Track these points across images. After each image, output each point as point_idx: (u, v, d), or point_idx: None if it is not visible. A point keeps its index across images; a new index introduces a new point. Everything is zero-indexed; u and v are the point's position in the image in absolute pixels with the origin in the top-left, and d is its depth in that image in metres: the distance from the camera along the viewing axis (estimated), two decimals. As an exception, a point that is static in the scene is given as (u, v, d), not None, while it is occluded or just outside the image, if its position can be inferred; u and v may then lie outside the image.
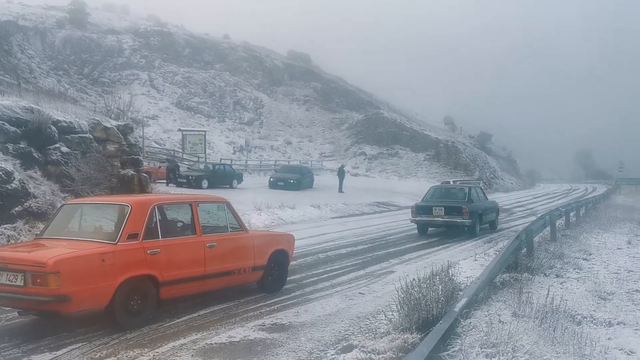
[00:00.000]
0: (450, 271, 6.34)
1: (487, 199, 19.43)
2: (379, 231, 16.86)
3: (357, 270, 10.02)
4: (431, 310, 5.32)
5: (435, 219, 16.08)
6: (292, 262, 10.46)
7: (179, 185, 27.86)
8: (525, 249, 10.28)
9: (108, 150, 18.12)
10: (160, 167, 32.71)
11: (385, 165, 56.28)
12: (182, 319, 6.53)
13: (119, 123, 19.47)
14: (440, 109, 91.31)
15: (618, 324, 6.58)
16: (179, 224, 7.46)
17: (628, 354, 5.53)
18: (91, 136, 17.70)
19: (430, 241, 14.66)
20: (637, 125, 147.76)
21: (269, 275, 8.06)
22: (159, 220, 6.75)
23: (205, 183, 28.09)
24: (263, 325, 6.28)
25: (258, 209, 20.38)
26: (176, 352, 5.34)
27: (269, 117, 64.61)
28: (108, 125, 18.49)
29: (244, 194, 25.76)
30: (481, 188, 21.30)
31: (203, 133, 45.75)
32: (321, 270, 9.92)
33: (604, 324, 6.52)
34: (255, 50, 76.93)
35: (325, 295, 7.99)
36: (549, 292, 6.72)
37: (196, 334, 5.91)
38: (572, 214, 19.50)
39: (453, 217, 15.76)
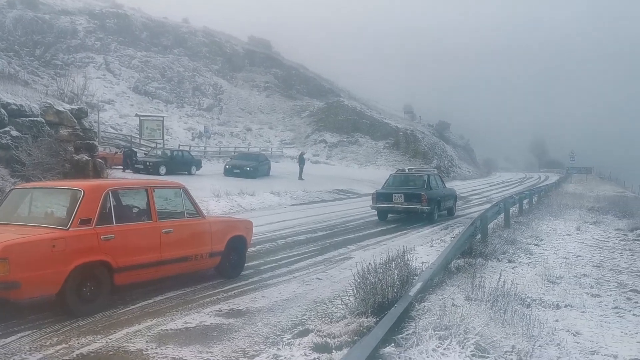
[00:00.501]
0: (406, 257, 6.42)
1: (445, 186, 19.83)
2: (338, 218, 16.96)
3: (315, 256, 10.07)
4: (387, 295, 5.40)
5: (395, 205, 16.30)
6: (251, 249, 10.45)
7: (136, 171, 27.35)
8: (479, 235, 10.52)
9: (61, 135, 17.58)
10: (116, 152, 32.05)
11: (345, 153, 56.55)
12: (137, 306, 6.43)
13: (73, 107, 18.90)
14: (401, 98, 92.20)
15: (566, 306, 6.83)
16: (135, 210, 7.35)
17: (574, 335, 5.75)
18: (43, 120, 17.13)
19: (388, 227, 14.83)
20: (588, 116, 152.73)
21: (227, 261, 8.02)
22: (114, 205, 6.63)
23: (163, 169, 27.65)
24: (220, 311, 6.25)
25: (217, 195, 20.23)
26: (130, 339, 5.26)
27: (228, 103, 63.89)
28: (61, 109, 17.92)
29: (202, 180, 25.50)
30: (439, 176, 21.61)
31: (161, 119, 44.96)
32: (279, 257, 9.92)
33: (552, 306, 6.76)
34: (215, 35, 75.80)
35: (283, 281, 8.00)
36: (500, 276, 6.90)
37: (151, 320, 5.84)
38: (525, 201, 20.07)
39: (412, 203, 16.03)
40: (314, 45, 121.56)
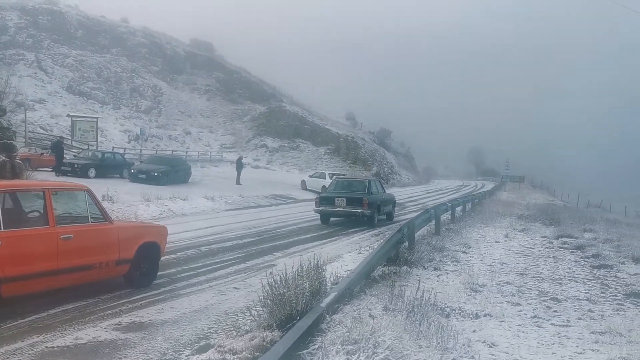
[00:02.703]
0: (320, 265, 6.08)
1: (385, 192, 20.34)
2: (270, 224, 16.56)
3: (237, 264, 9.64)
4: (295, 306, 5.06)
5: (337, 209, 16.75)
6: (171, 256, 9.95)
7: (64, 173, 25.91)
8: (407, 242, 10.37)
9: (-26, 133, 16.41)
10: (42, 153, 30.36)
11: (286, 159, 56.13)
12: (27, 319, 5.83)
13: (-11, 104, 17.66)
14: (343, 105, 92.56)
15: (485, 315, 6.70)
16: (29, 214, 6.72)
17: (490, 346, 5.59)
18: (-46, 117, 15.93)
19: (319, 234, 14.57)
20: (523, 126, 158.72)
21: (137, 270, 7.49)
22: (3, 208, 6.00)
23: (92, 172, 26.33)
24: (119, 325, 5.75)
25: (147, 200, 19.47)
26: (8, 358, 4.70)
27: (168, 105, 62.29)
28: (-25, 105, 16.73)
29: (127, 185, 24.58)
30: (379, 181, 22.28)
31: (95, 120, 43.14)
32: (199, 264, 9.44)
33: (471, 316, 6.61)
34: (156, 36, 73.86)
35: (197, 290, 7.54)
36: (419, 285, 6.70)
37: (38, 336, 5.27)
38: (458, 208, 20.30)
39: (354, 207, 16.51)
40: (258, 49, 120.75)
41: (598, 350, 5.63)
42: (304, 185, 37.58)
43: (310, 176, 39.53)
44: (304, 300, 5.12)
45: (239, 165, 33.88)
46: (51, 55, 57.18)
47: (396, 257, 9.38)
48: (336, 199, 16.81)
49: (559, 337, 6.08)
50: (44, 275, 6.12)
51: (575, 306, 7.53)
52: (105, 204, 17.40)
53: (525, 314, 6.98)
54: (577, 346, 5.78)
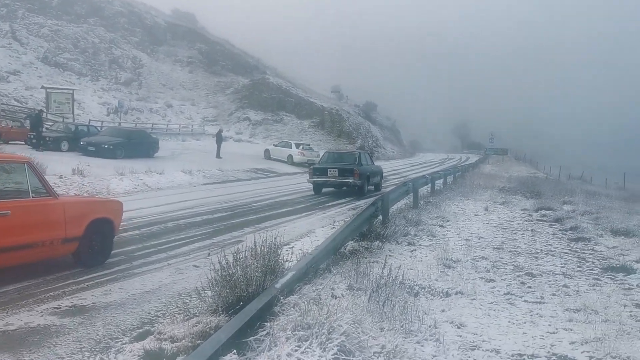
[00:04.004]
0: (279, 241, 5.62)
1: (374, 163, 21.56)
2: (246, 198, 16.11)
3: (203, 240, 9.20)
4: (247, 289, 4.64)
5: (330, 179, 17.88)
6: (134, 232, 9.50)
7: (35, 147, 25.13)
8: (381, 216, 9.99)
9: None
10: (12, 126, 29.45)
11: (269, 132, 55.40)
12: (-42, 303, 5.36)
13: (-51, 73, 16.85)
14: (329, 78, 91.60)
15: (456, 293, 6.35)
16: None
17: (458, 327, 5.23)
18: None
19: (294, 208, 14.15)
20: (507, 99, 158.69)
21: (88, 248, 6.96)
22: None
23: (65, 145, 25.60)
24: (58, 308, 5.29)
25: (120, 174, 18.90)
26: None
27: (148, 77, 60.96)
28: None
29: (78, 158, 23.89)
30: (369, 154, 23.31)
31: (70, 92, 42.02)
32: (163, 241, 8.98)
33: (441, 294, 6.25)
34: (134, 5, 72.00)
35: (154, 269, 7.10)
36: (385, 261, 6.31)
37: (-36, 323, 4.82)
38: (440, 181, 19.98)
39: (345, 177, 17.66)
40: (241, 21, 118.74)
41: (571, 330, 5.30)
42: (267, 155, 37.16)
43: (275, 145, 39.20)
44: (255, 282, 4.68)
45: (219, 138, 33.18)
46: (26, 25, 55.45)
47: (369, 232, 9.00)
48: (329, 170, 17.92)
49: (531, 315, 5.76)
50: None
51: (550, 281, 7.22)
52: (76, 178, 16.92)
53: (498, 290, 6.64)
54: (549, 325, 5.45)
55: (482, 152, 65.31)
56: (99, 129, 31.66)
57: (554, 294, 6.58)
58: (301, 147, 36.66)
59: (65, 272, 6.67)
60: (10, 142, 27.12)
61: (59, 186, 15.07)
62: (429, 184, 17.60)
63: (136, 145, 26.69)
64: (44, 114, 37.64)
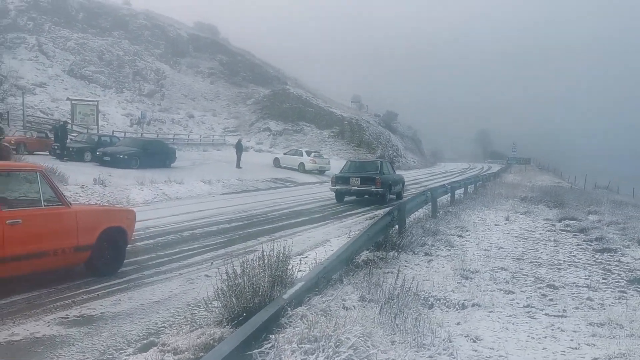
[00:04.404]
0: (286, 251, 5.48)
1: (395, 172, 21.96)
2: (263, 207, 16.04)
3: (217, 250, 9.12)
4: (252, 299, 4.52)
5: (352, 187, 18.14)
6: (149, 241, 9.47)
7: (59, 158, 25.49)
8: (397, 225, 9.80)
9: (-41, 116, 15.96)
10: (36, 137, 29.95)
11: (290, 142, 55.45)
12: (-34, 313, 5.34)
13: (-26, 85, 17.18)
14: (349, 88, 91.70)
15: (472, 305, 6.13)
16: None
17: (473, 341, 5.03)
18: (-63, 99, 15.45)
19: (310, 217, 14.02)
20: (530, 107, 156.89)
21: (100, 257, 6.92)
22: None
23: (88, 156, 25.93)
24: (65, 318, 5.23)
25: (140, 183, 19.02)
26: None
27: (170, 89, 61.71)
28: (-41, 87, 16.25)
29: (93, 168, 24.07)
30: (390, 162, 23.77)
31: (95, 103, 42.67)
32: (176, 250, 8.92)
33: (457, 306, 6.05)
34: (158, 18, 73.14)
35: (165, 278, 7.03)
36: (398, 272, 6.15)
37: (-30, 332, 4.78)
38: (460, 191, 19.69)
39: (367, 186, 17.89)
40: (263, 32, 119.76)
41: (595, 345, 5.06)
42: (277, 163, 37.19)
43: (285, 153, 39.25)
44: (261, 292, 4.56)
45: (239, 148, 33.29)
46: (52, 39, 56.66)
47: (384, 242, 8.82)
48: (351, 178, 18.18)
49: (552, 329, 5.52)
50: None
51: (573, 294, 6.96)
52: (97, 188, 17.05)
53: (517, 303, 6.41)
54: (571, 340, 5.22)
55: (505, 161, 64.47)
56: (120, 139, 31.99)
57: (576, 307, 6.33)
58: (312, 154, 36.89)
59: (77, 281, 6.63)
60: (34, 152, 27.59)
61: (80, 196, 15.21)
62: (449, 194, 17.34)
63: (152, 155, 26.63)
64: (69, 125, 38.29)
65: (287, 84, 69.14)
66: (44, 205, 6.29)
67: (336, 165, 38.24)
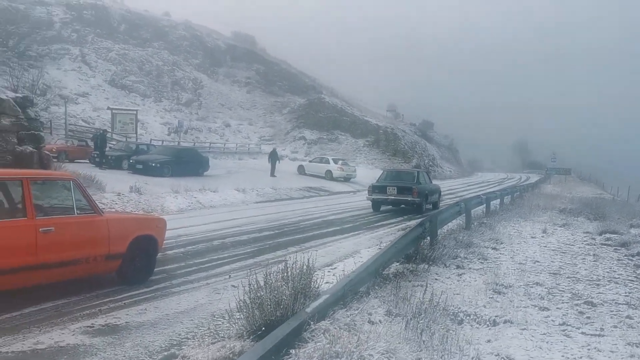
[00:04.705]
0: (310, 263, 5.38)
1: (432, 182, 21.88)
2: (295, 216, 16.00)
3: (245, 259, 9.10)
4: (274, 312, 4.44)
5: (389, 197, 18.28)
6: (178, 250, 9.52)
7: (98, 165, 26.08)
8: (429, 237, 9.60)
9: (2, 125, 16.41)
10: (77, 145, 30.74)
11: (324, 150, 55.39)
12: (-4, 319, 5.41)
13: (17, 95, 17.71)
14: (385, 97, 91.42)
15: (505, 322, 5.92)
16: (5, 205, 6.26)
17: (504, 360, 4.84)
18: (-18, 108, 15.95)
19: (342, 227, 13.88)
20: (571, 116, 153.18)
21: (130, 265, 6.98)
22: None
23: (125, 164, 26.41)
24: (90, 327, 5.26)
25: (175, 191, 19.25)
26: (-48, 364, 4.27)
27: (208, 98, 62.60)
28: (3, 97, 16.71)
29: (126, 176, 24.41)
30: (427, 172, 23.70)
31: (134, 112, 43.66)
32: (205, 259, 8.93)
33: (488, 322, 5.84)
34: (197, 29, 74.38)
35: (192, 288, 7.02)
36: (427, 286, 5.97)
37: (-4, 339, 4.84)
38: (495, 202, 19.27)
39: (404, 195, 18.01)
40: (300, 41, 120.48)
41: (633, 367, 4.81)
42: (301, 170, 37.09)
43: (310, 161, 39.20)
44: (283, 305, 4.48)
45: (273, 156, 33.43)
46: (95, 50, 58.23)
47: (415, 254, 8.65)
48: (388, 187, 18.35)
49: (589, 349, 5.28)
50: (20, 270, 5.64)
51: (612, 312, 6.67)
52: (133, 196, 17.33)
53: (552, 320, 6.16)
54: (608, 361, 4.98)
55: (544, 171, 62.97)
56: (156, 147, 32.52)
57: (615, 326, 6.05)
58: (340, 162, 37.08)
59: (105, 289, 6.68)
60: (75, 160, 28.32)
61: (116, 203, 15.48)
62: (484, 205, 16.96)
63: (185, 163, 26.52)
64: (109, 134, 39.20)
65: (323, 93, 69.28)
66: (77, 214, 6.41)
67: (363, 174, 38.25)
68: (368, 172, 42.33)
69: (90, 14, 61.90)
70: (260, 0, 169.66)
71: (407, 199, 17.94)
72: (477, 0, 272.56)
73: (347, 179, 35.48)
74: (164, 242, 7.97)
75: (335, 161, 37.19)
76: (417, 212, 17.74)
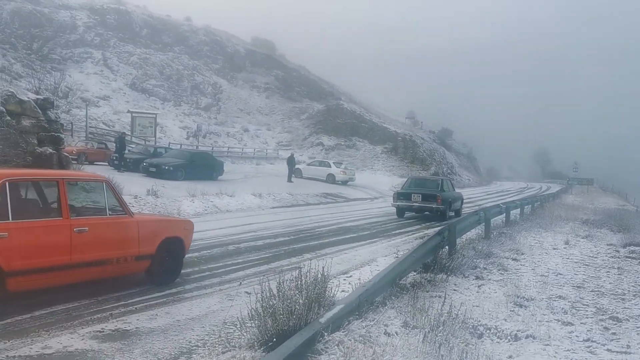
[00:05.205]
0: (324, 271, 5.22)
1: (455, 190, 22.37)
2: (311, 223, 15.85)
3: (260, 265, 8.96)
4: (287, 322, 4.29)
5: (414, 204, 18.73)
6: (193, 254, 9.40)
7: (117, 168, 26.23)
8: (447, 246, 9.38)
9: (23, 126, 16.55)
10: (97, 147, 31.01)
11: (342, 157, 55.18)
12: (5, 322, 5.32)
13: (38, 97, 17.82)
14: (404, 104, 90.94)
15: (527, 337, 5.69)
16: (41, 205, 6.44)
17: (526, 378, 4.63)
18: (3, 109, 16.10)
19: (358, 235, 13.70)
20: (594, 124, 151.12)
21: (159, 266, 7.12)
22: (11, 198, 5.63)
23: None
24: (101, 332, 5.15)
25: (192, 195, 19.22)
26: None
27: (227, 103, 62.89)
28: (24, 98, 16.85)
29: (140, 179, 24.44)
30: (450, 180, 24.32)
31: (154, 116, 43.98)
32: (220, 264, 8.82)
33: (509, 337, 5.62)
34: (217, 34, 74.94)
35: (205, 293, 6.90)
36: (445, 297, 5.78)
37: (4, 343, 4.73)
38: (515, 211, 18.93)
39: (429, 202, 18.42)
40: (319, 47, 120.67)
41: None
42: (298, 174, 36.79)
43: (309, 164, 39.14)
44: (296, 315, 4.33)
45: (291, 162, 33.34)
46: (117, 54, 58.87)
47: (433, 264, 8.44)
48: (412, 194, 18.79)
49: (615, 368, 5.04)
50: (55, 269, 5.79)
51: (638, 327, 6.41)
52: (150, 199, 17.34)
53: (577, 336, 5.92)
54: (636, 381, 4.73)
55: (565, 181, 62.06)
56: (169, 151, 32.61)
57: (643, 343, 5.79)
58: (342, 166, 37.50)
59: (117, 293, 6.59)
60: (94, 162, 28.56)
61: (133, 206, 15.45)
62: (503, 214, 16.64)
63: (198, 167, 26.20)
64: (129, 137, 39.50)
65: (341, 99, 69.23)
66: (109, 214, 6.58)
67: (364, 178, 38.41)
68: (378, 178, 42.35)
69: (113, 18, 62.69)
70: (280, 7, 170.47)
71: (432, 206, 18.31)
72: (496, 7, 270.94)
73: (344, 182, 36.11)
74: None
75: (337, 165, 37.90)
76: (440, 219, 17.97)
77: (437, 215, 18.49)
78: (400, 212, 19.19)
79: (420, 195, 18.61)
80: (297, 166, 39.32)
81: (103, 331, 5.18)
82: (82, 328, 5.24)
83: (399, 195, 19.17)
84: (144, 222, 7.16)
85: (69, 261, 5.89)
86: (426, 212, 18.81)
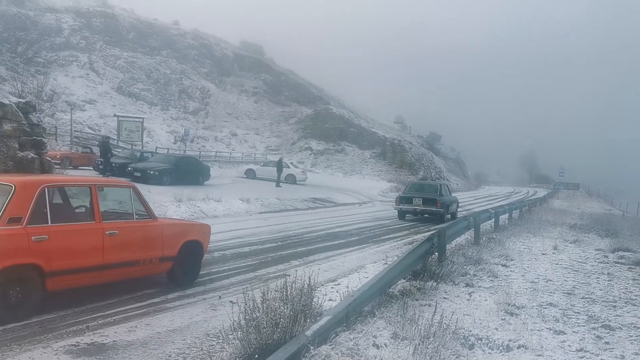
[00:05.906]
0: (311, 280, 5.04)
1: (451, 194, 23.69)
2: (299, 228, 15.65)
3: (246, 273, 8.75)
4: (271, 335, 4.09)
5: (415, 207, 19.89)
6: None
7: (102, 173, 25.82)
8: (437, 253, 9.22)
9: (4, 130, 16.17)
10: (81, 152, 30.56)
11: (331, 161, 55.19)
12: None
13: (20, 100, 17.47)
14: (393, 109, 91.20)
15: (518, 347, 5.54)
16: (76, 209, 6.82)
17: (519, 391, 4.46)
18: (-17, 113, 15.74)
19: (347, 240, 13.52)
20: (579, 130, 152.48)
21: (180, 268, 7.48)
22: (50, 203, 5.88)
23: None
24: (75, 346, 4.91)
25: (178, 200, 18.95)
26: None
27: (215, 107, 62.54)
28: (5, 101, 16.48)
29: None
30: (447, 185, 25.88)
31: (140, 120, 43.52)
32: (203, 272, 8.53)
33: (501, 347, 5.46)
34: (205, 38, 74.61)
35: (187, 303, 6.67)
36: (435, 308, 5.61)
37: (-27, 358, 4.50)
38: (504, 216, 18.87)
39: (429, 206, 19.67)
40: (307, 51, 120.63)
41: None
42: (251, 174, 36.94)
43: (262, 165, 39.13)
44: (281, 327, 4.13)
45: (279, 167, 33.11)
46: (103, 57, 58.32)
47: (423, 271, 8.27)
48: (414, 198, 19.97)
49: (610, 379, 4.89)
50: (89, 270, 6.14)
51: (631, 337, 6.28)
52: (134, 204, 17.07)
53: (569, 346, 5.77)
54: (632, 393, 4.59)
55: (552, 186, 62.41)
56: (155, 155, 32.24)
57: (637, 353, 5.66)
58: (301, 166, 38.65)
59: (94, 303, 6.34)
60: (79, 167, 28.13)
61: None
62: (492, 219, 16.56)
63: (185, 172, 25.86)
64: (115, 141, 39.05)
65: (330, 104, 69.18)
66: (136, 218, 6.92)
67: (364, 185, 38.20)
68: (367, 183, 42.22)
69: (100, 21, 62.11)
70: (269, 11, 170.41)
71: (432, 209, 19.59)
72: (485, 13, 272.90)
73: (294, 181, 36.90)
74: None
75: (296, 165, 39.96)
76: (439, 222, 18.76)
77: (436, 217, 19.69)
78: (402, 214, 20.41)
79: (421, 199, 19.76)
80: (249, 167, 39.28)
81: (78, 345, 4.94)
82: (56, 342, 4.99)
83: (401, 199, 20.28)
84: (167, 225, 7.50)
85: (102, 262, 6.25)
86: (426, 215, 20.02)
